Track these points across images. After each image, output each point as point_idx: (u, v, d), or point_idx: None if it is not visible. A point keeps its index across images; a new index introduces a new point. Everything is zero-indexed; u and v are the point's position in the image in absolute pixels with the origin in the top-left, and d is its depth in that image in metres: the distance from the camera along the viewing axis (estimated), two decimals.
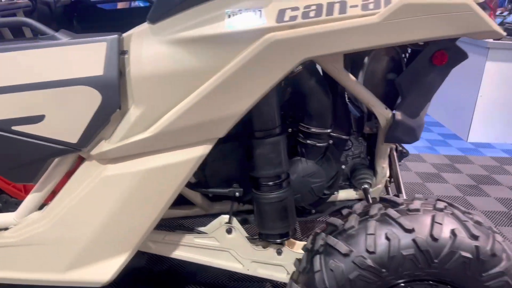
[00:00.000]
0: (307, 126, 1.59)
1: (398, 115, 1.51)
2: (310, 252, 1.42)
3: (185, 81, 1.29)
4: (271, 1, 1.26)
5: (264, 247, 1.64)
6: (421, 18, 1.23)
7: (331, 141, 1.67)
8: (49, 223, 1.41)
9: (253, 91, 1.29)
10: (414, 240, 1.26)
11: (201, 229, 1.67)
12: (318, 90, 1.52)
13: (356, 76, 1.58)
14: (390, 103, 1.56)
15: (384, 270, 1.28)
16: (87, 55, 1.28)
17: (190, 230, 1.69)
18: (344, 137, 1.70)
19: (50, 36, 1.30)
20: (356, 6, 1.25)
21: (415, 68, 1.46)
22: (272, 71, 1.28)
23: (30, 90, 1.28)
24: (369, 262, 1.27)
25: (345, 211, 1.49)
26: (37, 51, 1.28)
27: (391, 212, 1.33)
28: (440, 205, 1.36)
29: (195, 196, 1.80)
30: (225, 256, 1.65)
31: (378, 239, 1.29)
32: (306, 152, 1.66)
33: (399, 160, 1.97)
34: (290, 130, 1.68)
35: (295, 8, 1.25)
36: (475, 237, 1.27)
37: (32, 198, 1.48)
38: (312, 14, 1.24)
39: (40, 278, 1.45)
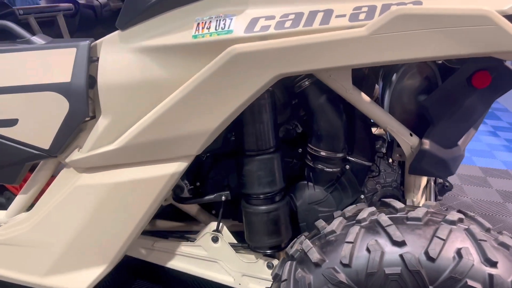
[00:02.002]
0: (314, 148, 1.38)
1: (426, 144, 1.24)
2: (286, 257, 1.19)
3: (150, 92, 1.20)
4: (246, 7, 1.11)
5: (253, 259, 1.45)
6: (421, 32, 0.99)
7: (347, 167, 1.44)
8: (30, 226, 1.41)
9: (221, 107, 1.16)
10: (401, 256, 0.97)
11: (190, 236, 1.54)
12: (327, 108, 1.31)
13: (383, 95, 1.35)
14: (421, 130, 1.29)
15: None
16: (56, 61, 1.24)
17: (181, 236, 1.57)
18: (365, 163, 1.46)
19: (26, 40, 1.29)
20: (343, 16, 1.05)
21: (447, 90, 1.19)
22: (239, 87, 1.13)
23: (4, 93, 1.27)
24: (341, 277, 1.00)
25: (337, 213, 1.23)
26: (11, 55, 1.27)
27: (382, 218, 1.05)
28: (453, 216, 1.04)
29: (190, 208, 1.67)
30: (215, 268, 1.49)
31: (357, 249, 1.01)
32: (314, 177, 1.45)
33: (440, 195, 1.64)
34: (300, 150, 1.49)
35: (270, 17, 1.09)
36: (491, 263, 0.94)
37: (19, 199, 1.48)
38: (287, 24, 1.07)
39: (21, 279, 1.45)
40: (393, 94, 1.33)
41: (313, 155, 1.39)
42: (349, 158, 1.44)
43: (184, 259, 1.51)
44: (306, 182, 1.46)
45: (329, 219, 1.20)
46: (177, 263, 1.52)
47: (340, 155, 1.38)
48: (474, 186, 3.12)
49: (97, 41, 1.25)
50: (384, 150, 1.52)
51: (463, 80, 1.15)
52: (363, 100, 1.24)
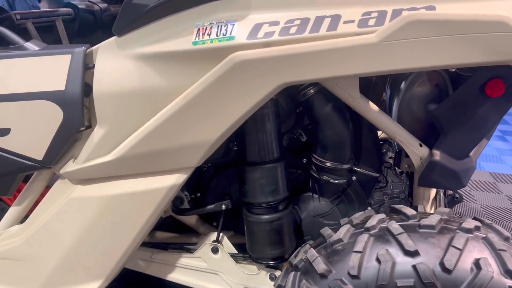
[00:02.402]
0: (320, 159, 1.32)
1: (436, 155, 1.18)
2: (289, 268, 1.12)
3: (148, 101, 1.14)
4: (248, 13, 1.05)
5: (255, 271, 1.38)
6: (434, 39, 0.94)
7: (354, 178, 1.38)
8: (23, 239, 1.35)
9: (222, 118, 1.10)
10: (415, 267, 0.90)
11: (190, 247, 1.48)
12: (333, 118, 1.26)
13: (392, 103, 1.30)
14: (431, 140, 1.23)
15: None
16: (50, 68, 1.19)
17: (180, 248, 1.51)
18: (372, 174, 1.40)
19: (19, 46, 1.24)
20: (352, 21, 0.99)
21: (459, 98, 1.13)
22: (241, 97, 1.07)
23: None
24: None
25: (344, 221, 1.16)
26: (3, 62, 1.22)
27: (393, 226, 0.98)
28: (469, 224, 0.97)
29: (190, 220, 1.61)
30: (216, 280, 1.42)
31: (366, 259, 0.94)
32: (319, 189, 1.39)
33: (450, 207, 1.58)
34: (304, 160, 1.43)
35: (274, 23, 1.03)
36: None
37: (12, 211, 1.43)
38: (292, 30, 1.01)
39: None
40: (402, 102, 1.27)
41: (318, 165, 1.33)
42: (356, 169, 1.38)
43: (184, 271, 1.45)
44: (310, 193, 1.41)
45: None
46: (176, 276, 1.46)
47: (347, 166, 1.32)
48: (483, 191, 3.04)
49: (93, 48, 1.20)
50: (390, 156, 1.46)
51: (476, 89, 1.09)
52: (371, 110, 1.18)
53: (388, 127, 1.20)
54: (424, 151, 1.21)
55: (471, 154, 1.23)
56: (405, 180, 1.47)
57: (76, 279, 1.33)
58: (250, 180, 1.28)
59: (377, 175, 1.41)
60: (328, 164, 1.31)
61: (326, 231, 1.10)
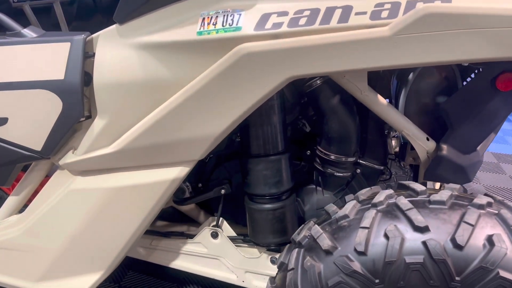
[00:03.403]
0: (324, 151, 1.29)
1: (444, 149, 1.16)
2: (293, 245, 1.08)
3: (150, 92, 1.10)
4: (256, 2, 1.01)
5: (256, 254, 1.36)
6: (449, 33, 0.90)
7: (358, 170, 1.36)
8: (22, 230, 1.33)
9: (227, 111, 1.07)
10: (425, 244, 0.86)
11: (189, 233, 1.46)
12: (340, 110, 1.22)
13: (398, 95, 1.27)
14: (438, 133, 1.21)
15: (377, 280, 0.89)
16: (49, 56, 1.14)
17: (180, 234, 1.49)
18: (376, 166, 1.37)
19: (17, 32, 1.19)
20: (364, 13, 0.95)
21: (470, 92, 1.11)
22: (247, 90, 1.03)
23: None
24: (356, 266, 0.90)
25: (349, 197, 1.12)
26: (1, 49, 1.17)
27: (402, 201, 0.94)
28: (481, 200, 0.93)
29: (191, 211, 1.58)
30: (217, 265, 1.40)
31: (374, 236, 0.90)
32: (323, 181, 1.37)
33: None
34: (308, 152, 1.40)
35: (282, 13, 0.99)
36: None
37: (11, 201, 1.40)
38: (302, 21, 0.97)
39: (13, 283, 1.37)
40: (409, 94, 1.24)
41: (322, 158, 1.30)
42: (361, 161, 1.35)
43: (184, 257, 1.44)
44: (314, 186, 1.38)
45: None
46: (176, 262, 1.45)
47: (352, 159, 1.29)
48: (487, 172, 3.00)
49: (93, 35, 1.15)
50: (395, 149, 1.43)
51: (487, 82, 1.06)
52: (379, 102, 1.15)
53: (396, 120, 1.18)
54: (431, 145, 1.19)
55: (478, 148, 1.21)
56: (409, 173, 1.45)
57: (76, 270, 1.32)
58: (254, 171, 1.25)
59: (382, 167, 1.38)
60: (333, 157, 1.28)
61: (331, 207, 1.06)
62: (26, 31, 1.19)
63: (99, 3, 2.24)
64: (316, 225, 1.01)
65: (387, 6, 0.95)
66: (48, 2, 2.02)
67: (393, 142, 1.55)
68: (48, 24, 1.97)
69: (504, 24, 0.88)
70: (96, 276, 1.30)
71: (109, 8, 2.30)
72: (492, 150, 3.35)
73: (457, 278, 0.85)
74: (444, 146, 1.16)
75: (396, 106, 1.26)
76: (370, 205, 0.98)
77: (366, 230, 0.91)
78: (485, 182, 2.86)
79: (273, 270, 1.32)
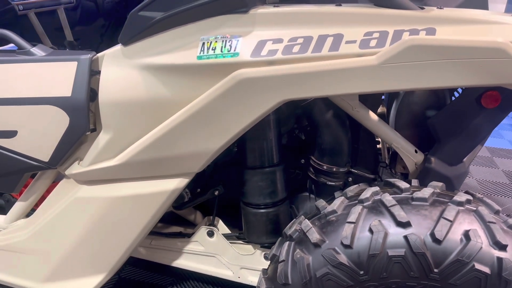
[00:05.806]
0: (317, 161, 1.35)
1: (431, 162, 1.23)
2: (284, 238, 1.15)
3: (152, 110, 1.17)
4: (253, 29, 1.08)
5: (250, 251, 1.42)
6: (432, 63, 0.97)
7: (350, 179, 1.41)
8: (29, 234, 1.39)
9: (224, 129, 1.13)
10: (406, 238, 0.92)
11: (187, 232, 1.53)
12: (332, 124, 1.29)
13: (389, 108, 1.34)
14: (426, 146, 1.28)
15: (361, 272, 0.95)
16: (57, 74, 1.21)
17: (178, 233, 1.56)
18: (367, 175, 1.42)
19: (26, 51, 1.25)
20: (354, 42, 1.02)
21: (456, 108, 1.19)
22: (243, 111, 1.10)
23: (3, 104, 1.23)
24: (342, 258, 0.96)
25: (338, 193, 1.18)
26: (11, 66, 1.23)
27: (386, 198, 1.00)
28: (461, 197, 0.99)
29: (189, 215, 1.64)
30: (213, 262, 1.47)
31: (359, 230, 0.96)
32: (316, 189, 1.42)
33: None
34: (302, 161, 1.46)
35: (278, 40, 1.05)
36: (500, 246, 0.89)
37: (18, 206, 1.47)
38: (295, 49, 1.03)
39: (19, 284, 1.44)
40: (400, 108, 1.31)
41: (315, 168, 1.37)
42: (353, 170, 1.40)
43: (182, 255, 1.51)
44: (307, 194, 1.44)
45: None
46: (175, 260, 1.51)
47: (344, 169, 1.36)
48: (480, 166, 3.03)
49: (99, 55, 1.21)
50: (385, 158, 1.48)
51: (472, 100, 1.13)
52: (370, 118, 1.23)
53: (386, 134, 1.25)
54: (419, 157, 1.25)
55: (464, 160, 1.27)
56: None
57: (79, 273, 1.38)
58: (250, 182, 1.31)
59: (373, 176, 1.44)
60: (325, 167, 1.34)
61: (321, 203, 1.12)
62: (35, 50, 1.25)
63: (102, 7, 2.30)
64: (306, 220, 1.07)
65: (376, 35, 1.01)
66: (52, 8, 2.08)
67: (385, 150, 1.61)
68: (51, 28, 2.02)
69: (483, 55, 0.94)
70: (99, 278, 1.37)
71: (111, 12, 2.36)
72: (486, 144, 3.39)
73: (435, 270, 0.91)
74: (432, 159, 1.23)
75: (388, 118, 1.31)
76: (357, 201, 1.04)
77: (352, 225, 0.97)
78: (478, 176, 2.89)
79: (266, 265, 1.37)
